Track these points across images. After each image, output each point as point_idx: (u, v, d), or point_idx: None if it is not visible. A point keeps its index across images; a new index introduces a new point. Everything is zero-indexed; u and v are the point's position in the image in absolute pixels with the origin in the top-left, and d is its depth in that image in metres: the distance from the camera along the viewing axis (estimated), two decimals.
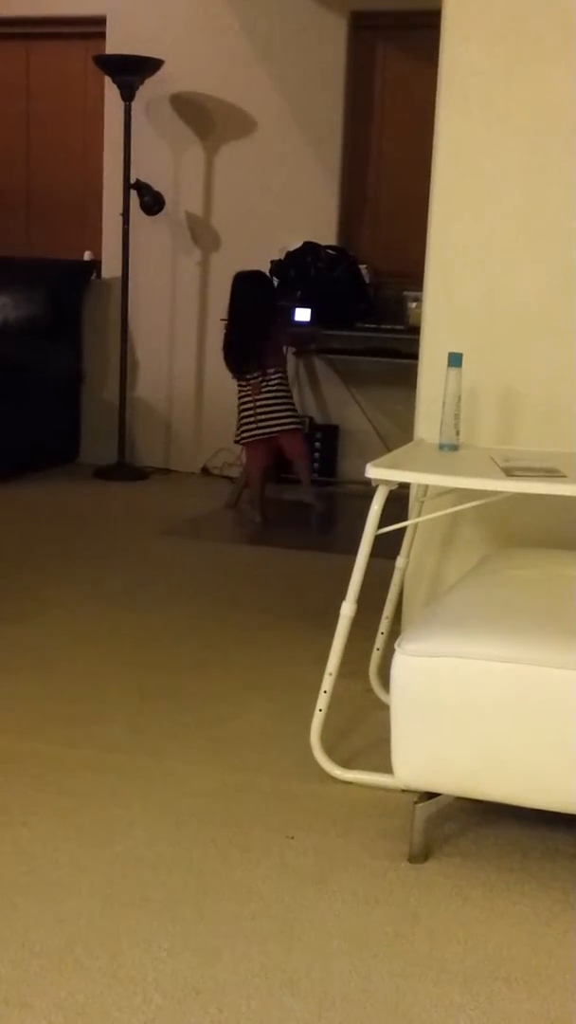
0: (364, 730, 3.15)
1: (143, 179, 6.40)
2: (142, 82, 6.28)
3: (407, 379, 6.35)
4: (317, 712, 2.88)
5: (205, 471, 6.67)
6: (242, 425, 5.60)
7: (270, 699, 3.37)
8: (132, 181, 6.37)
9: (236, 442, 5.77)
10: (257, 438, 5.56)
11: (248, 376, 5.53)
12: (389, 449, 6.40)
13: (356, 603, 2.85)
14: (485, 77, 3.22)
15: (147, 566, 4.76)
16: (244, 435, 5.61)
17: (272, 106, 6.39)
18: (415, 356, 6.04)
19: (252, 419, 5.54)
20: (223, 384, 6.44)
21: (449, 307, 3.35)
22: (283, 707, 3.30)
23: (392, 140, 6.40)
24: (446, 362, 3.12)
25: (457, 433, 3.06)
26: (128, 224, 6.41)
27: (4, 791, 2.73)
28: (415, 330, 5.97)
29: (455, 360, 3.05)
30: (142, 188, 6.38)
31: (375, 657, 3.35)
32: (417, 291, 6.11)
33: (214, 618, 4.10)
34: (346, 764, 2.89)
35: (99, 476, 6.48)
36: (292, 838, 2.56)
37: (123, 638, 3.84)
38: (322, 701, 2.87)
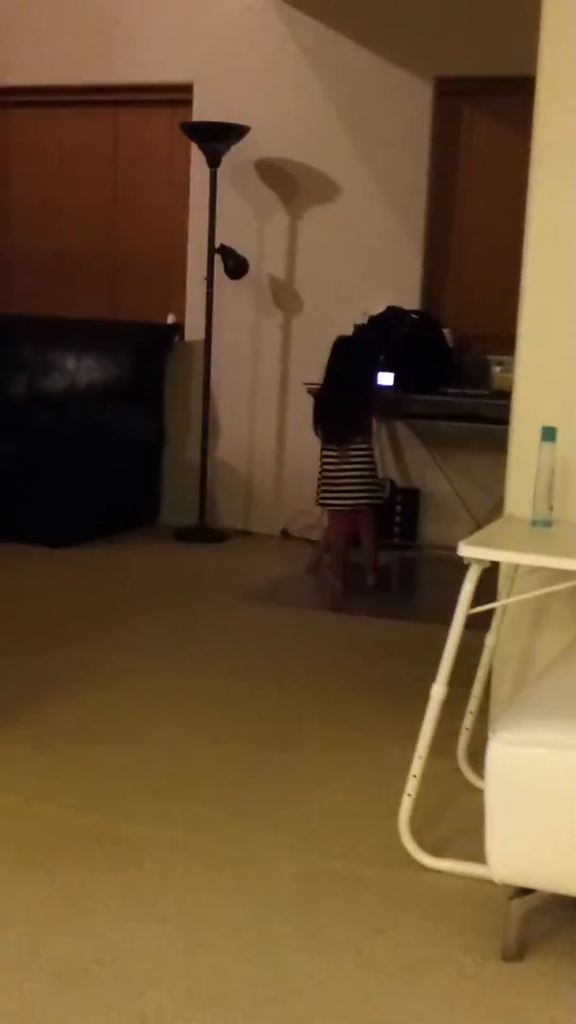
0: (453, 813, 3.05)
1: (227, 244, 6.41)
2: (228, 148, 6.32)
3: (490, 444, 6.32)
4: (406, 797, 2.79)
5: (285, 534, 6.63)
6: (326, 491, 5.52)
7: (355, 778, 3.29)
8: (216, 246, 6.39)
9: (319, 504, 5.69)
10: (340, 508, 5.51)
11: (342, 444, 5.47)
12: (472, 514, 6.37)
13: (447, 685, 2.77)
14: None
15: (227, 633, 4.71)
16: (328, 501, 5.54)
17: (356, 171, 6.38)
18: (499, 421, 6.02)
19: (336, 487, 5.47)
20: (304, 446, 6.41)
21: (542, 378, 3.28)
22: (368, 787, 3.22)
23: (476, 205, 6.36)
24: (538, 435, 3.05)
25: (550, 508, 2.99)
26: (212, 288, 6.43)
27: (84, 871, 2.67)
28: (499, 395, 5.94)
29: (549, 434, 2.98)
30: (226, 252, 6.39)
31: (464, 737, 3.27)
32: (501, 355, 6.08)
33: (296, 690, 4.03)
34: (435, 851, 2.80)
35: (179, 538, 6.45)
36: (381, 931, 2.47)
37: (204, 709, 3.78)
38: (411, 785, 2.79)
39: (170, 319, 6.84)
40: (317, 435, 5.56)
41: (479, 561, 2.67)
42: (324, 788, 3.20)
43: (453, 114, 6.35)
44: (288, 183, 6.54)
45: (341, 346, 5.60)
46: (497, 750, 2.34)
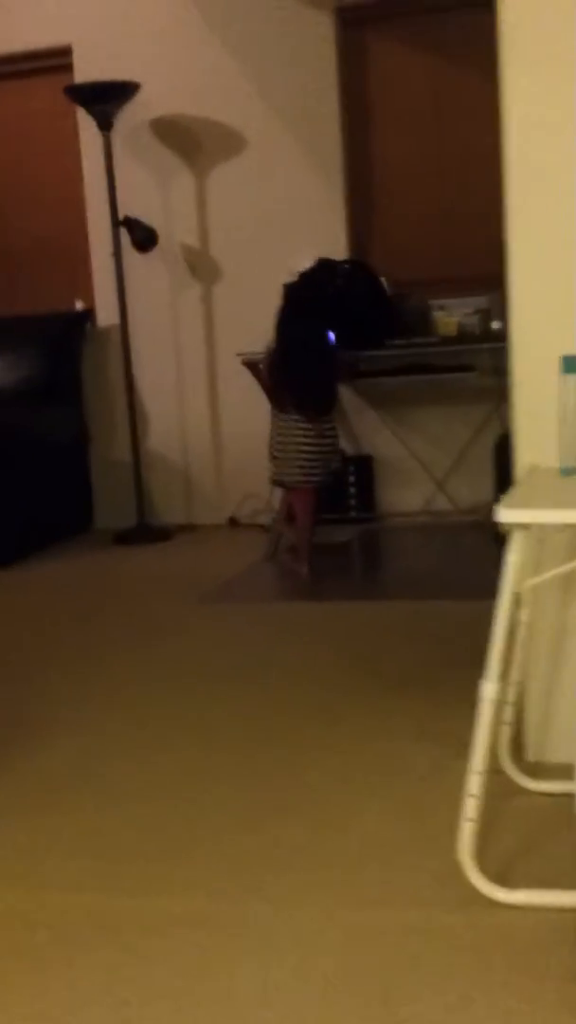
0: (507, 827, 2.55)
1: (131, 214, 5.85)
2: (118, 109, 5.75)
3: (441, 396, 5.85)
4: (465, 823, 2.28)
5: (233, 522, 6.09)
6: (294, 466, 4.96)
7: (376, 795, 2.78)
8: (120, 218, 5.83)
9: (275, 481, 5.13)
10: (302, 484, 4.98)
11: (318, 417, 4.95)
12: (431, 474, 5.88)
13: (499, 681, 2.26)
14: (552, 27, 2.65)
15: (192, 641, 4.16)
16: (288, 476, 4.99)
17: (262, 119, 5.85)
18: (452, 369, 5.60)
19: (309, 460, 4.93)
20: (241, 424, 5.90)
21: (543, 301, 2.77)
22: (400, 806, 2.71)
23: (395, 138, 5.85)
24: (550, 369, 2.56)
25: None
26: (121, 265, 5.86)
27: (92, 961, 2.14)
28: (448, 341, 5.46)
29: (571, 365, 2.48)
30: (132, 224, 5.83)
31: (504, 733, 2.77)
32: (442, 299, 5.59)
33: (282, 696, 3.50)
34: (501, 879, 2.30)
35: (119, 542, 5.90)
36: (470, 999, 1.97)
37: (186, 740, 3.24)
38: (471, 807, 2.27)
39: (78, 305, 6.27)
40: (278, 408, 5.01)
41: (524, 526, 2.17)
42: (349, 816, 2.69)
43: (358, 45, 5.83)
44: (189, 141, 5.98)
45: (293, 304, 5.04)
46: None
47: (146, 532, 5.97)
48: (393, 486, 5.87)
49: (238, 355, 5.59)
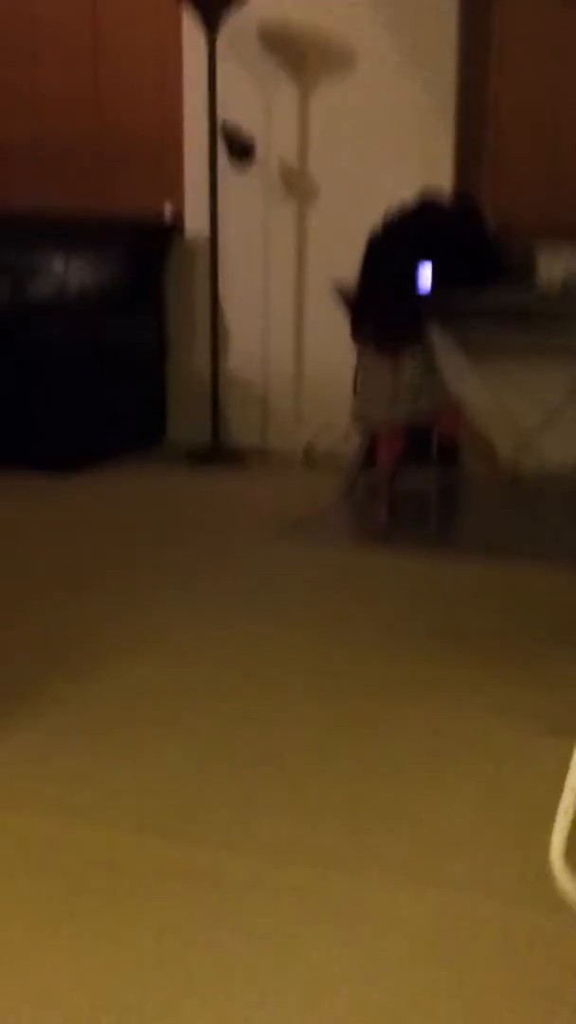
0: None
1: (227, 121, 5.63)
2: (226, 10, 5.50)
3: (535, 349, 5.62)
4: (560, 815, 2.16)
5: (309, 453, 5.90)
6: (376, 404, 4.78)
7: (462, 772, 2.68)
8: (221, 123, 5.61)
9: (361, 423, 4.94)
10: (396, 421, 4.79)
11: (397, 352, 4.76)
12: (522, 429, 5.66)
13: None
14: None
15: (265, 584, 4.06)
16: (379, 417, 4.81)
17: (374, 34, 5.58)
18: (551, 328, 5.35)
19: (392, 398, 4.75)
20: (327, 352, 5.70)
21: None
22: (481, 785, 2.61)
23: (515, 70, 5.57)
24: None
25: None
26: (215, 174, 5.66)
27: (153, 924, 2.04)
28: (551, 294, 5.22)
29: None
30: (230, 131, 5.62)
31: None
32: (549, 244, 5.35)
33: (360, 654, 3.39)
34: None
35: (192, 460, 5.75)
36: (554, 1013, 1.86)
37: (251, 687, 3.13)
38: (569, 799, 2.15)
39: (167, 210, 6.05)
40: (358, 341, 4.83)
41: None
42: (434, 791, 2.59)
43: None
44: (296, 51, 5.73)
45: (382, 236, 4.85)
46: None
47: (220, 454, 5.83)
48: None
49: (333, 282, 5.38)
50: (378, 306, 4.78)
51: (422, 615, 3.74)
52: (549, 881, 2.18)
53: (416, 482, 5.03)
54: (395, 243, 4.86)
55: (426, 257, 5.05)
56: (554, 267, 5.23)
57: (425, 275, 5.04)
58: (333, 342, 5.48)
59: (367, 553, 4.43)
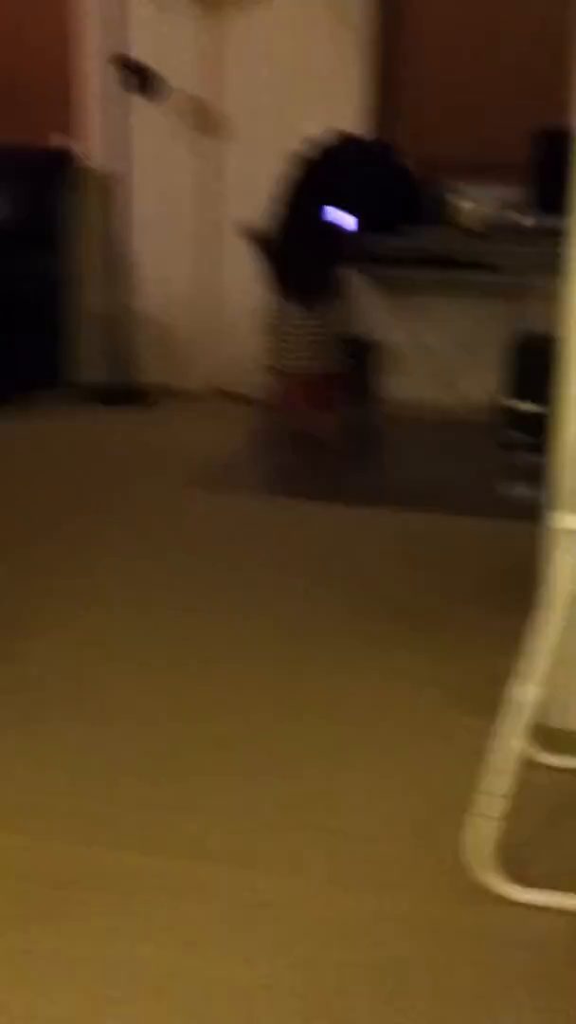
0: (524, 809, 2.36)
1: (138, 56, 5.44)
2: None
3: (456, 288, 5.56)
4: (481, 818, 2.13)
5: (220, 391, 5.80)
6: (298, 354, 4.70)
7: (374, 747, 2.62)
8: (120, 57, 5.41)
9: (274, 370, 4.86)
10: (296, 371, 4.72)
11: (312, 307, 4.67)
12: (443, 367, 5.62)
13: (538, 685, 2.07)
14: None
15: (185, 535, 3.97)
16: (302, 365, 4.72)
17: None
18: (476, 266, 5.28)
19: (307, 348, 4.67)
20: (238, 292, 5.57)
21: None
22: (394, 763, 2.56)
23: (429, 11, 5.44)
24: None
25: None
26: (115, 109, 5.47)
27: (64, 937, 1.97)
28: (472, 233, 5.15)
29: None
30: (131, 65, 5.42)
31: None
32: (468, 185, 5.25)
33: (283, 621, 3.32)
34: (520, 872, 2.14)
35: (99, 400, 5.62)
36: None
37: (167, 674, 3.04)
38: (491, 805, 2.11)
39: (59, 141, 5.80)
40: (274, 291, 4.74)
41: None
42: (345, 773, 2.54)
43: None
44: None
45: (296, 182, 4.73)
46: None
47: (127, 392, 5.70)
48: (395, 374, 5.61)
49: (241, 225, 5.24)
50: (294, 258, 4.68)
51: (336, 569, 3.70)
52: (466, 874, 2.15)
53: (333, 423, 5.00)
54: (309, 189, 4.76)
55: (342, 201, 4.95)
56: (475, 209, 5.15)
57: (341, 219, 4.95)
58: (244, 279, 5.37)
59: (279, 503, 4.37)
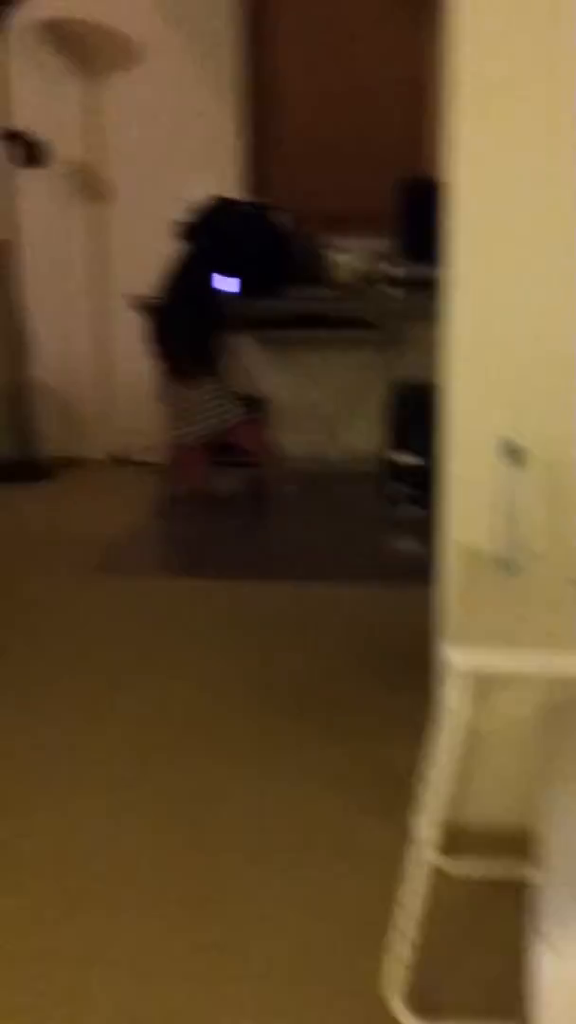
0: (435, 927, 2.35)
1: (17, 125, 5.46)
2: (8, 8, 5.31)
3: (333, 342, 5.67)
4: (394, 963, 2.18)
5: (118, 460, 5.85)
6: (188, 426, 4.76)
7: (275, 860, 2.64)
8: (7, 128, 5.43)
9: (175, 441, 4.91)
10: (193, 441, 4.78)
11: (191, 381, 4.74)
12: (327, 420, 5.72)
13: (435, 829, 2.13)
14: None
15: (84, 627, 3.98)
16: (192, 436, 4.78)
17: (158, 30, 5.46)
18: (349, 323, 5.40)
19: (195, 420, 4.74)
20: (131, 356, 5.62)
21: (480, 380, 2.55)
22: (298, 882, 2.57)
23: (298, 60, 5.51)
24: (486, 447, 2.43)
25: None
26: (6, 180, 5.50)
27: None
28: (344, 288, 5.25)
29: (516, 455, 2.34)
30: (18, 137, 5.44)
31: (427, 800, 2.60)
32: (340, 238, 5.35)
33: (174, 706, 3.35)
34: (423, 1001, 2.18)
35: None
36: None
37: (75, 780, 3.06)
38: (402, 949, 2.17)
39: None
40: (159, 366, 4.82)
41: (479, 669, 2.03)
42: (243, 891, 2.55)
43: None
44: (83, 48, 5.58)
45: (177, 262, 4.80)
46: (549, 963, 1.78)
47: (25, 466, 5.72)
48: (283, 431, 5.71)
49: (131, 297, 5.29)
50: (174, 337, 4.76)
51: (233, 651, 3.73)
52: (375, 1005, 2.19)
53: (223, 487, 5.07)
54: (190, 258, 4.83)
55: (222, 267, 5.04)
56: (346, 261, 5.27)
57: (223, 285, 5.03)
58: (136, 345, 5.43)
59: (176, 583, 4.39)
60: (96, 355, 5.85)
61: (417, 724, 3.03)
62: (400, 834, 2.62)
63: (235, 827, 2.81)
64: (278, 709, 3.38)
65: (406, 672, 3.56)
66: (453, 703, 1.99)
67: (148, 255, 5.28)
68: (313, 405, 5.64)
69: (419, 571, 4.23)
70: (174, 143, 5.54)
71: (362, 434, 5.58)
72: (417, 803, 2.28)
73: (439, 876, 2.55)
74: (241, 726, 3.29)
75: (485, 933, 2.39)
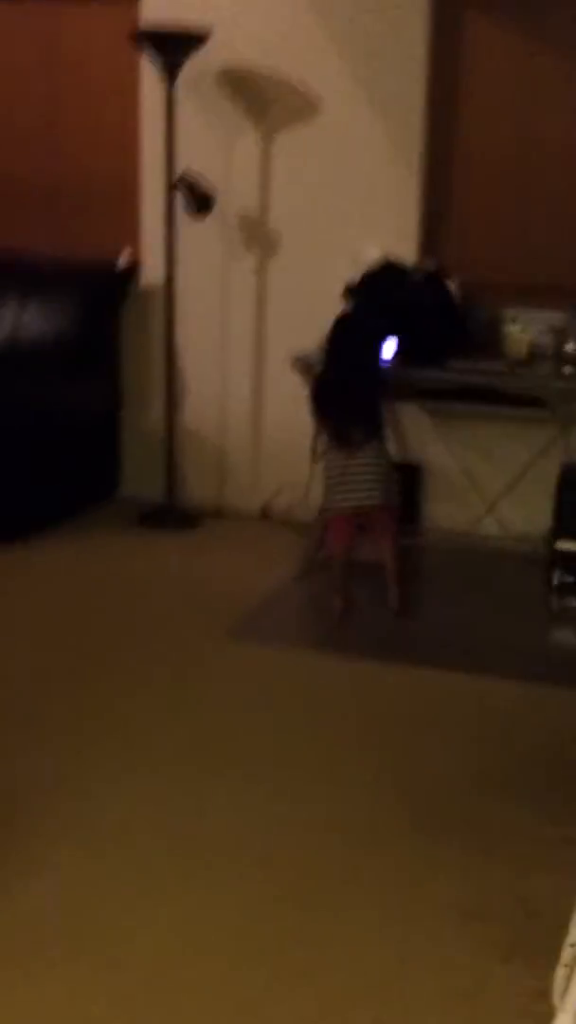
0: None
1: (189, 173, 5.39)
2: (186, 58, 5.25)
3: (506, 421, 5.46)
4: None
5: (265, 514, 5.74)
6: (342, 492, 4.62)
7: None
8: (177, 175, 5.37)
9: (328, 511, 4.76)
10: (344, 510, 4.61)
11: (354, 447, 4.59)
12: (481, 492, 5.53)
13: None
14: None
15: (211, 700, 3.87)
16: (336, 503, 4.63)
17: (340, 84, 5.34)
18: (520, 402, 5.18)
19: (343, 487, 4.59)
20: (286, 409, 5.52)
21: None
22: None
23: (483, 127, 5.35)
24: None
25: None
26: (172, 225, 5.44)
27: None
28: (517, 363, 5.03)
29: None
30: (188, 184, 5.36)
31: (566, 956, 2.40)
32: (516, 309, 5.14)
33: (293, 820, 3.17)
34: None
35: (145, 522, 5.58)
36: None
37: (184, 870, 2.95)
38: None
39: (124, 258, 5.79)
40: (321, 431, 4.68)
41: None
42: None
43: (453, 20, 5.29)
44: (258, 98, 5.49)
45: (343, 324, 4.66)
46: None
47: (173, 515, 5.65)
48: (441, 500, 5.51)
49: (293, 357, 5.16)
50: (340, 400, 4.61)
51: (369, 757, 3.52)
52: None
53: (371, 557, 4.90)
54: (357, 325, 4.68)
55: (390, 334, 4.88)
56: (520, 335, 5.06)
57: (389, 352, 4.88)
58: (292, 398, 5.31)
59: (314, 659, 4.23)
60: (251, 407, 5.75)
61: (570, 859, 2.82)
62: (530, 983, 2.43)
63: (350, 953, 2.63)
64: (411, 821, 3.19)
65: (563, 792, 3.33)
66: None
67: (309, 312, 5.19)
68: (474, 478, 5.42)
69: None
70: (348, 201, 5.42)
71: (526, 515, 5.33)
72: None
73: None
74: (368, 839, 3.11)
75: None
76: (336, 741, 3.63)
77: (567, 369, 4.90)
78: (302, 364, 5.05)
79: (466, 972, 2.58)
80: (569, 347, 4.95)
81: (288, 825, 3.14)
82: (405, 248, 5.28)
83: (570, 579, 4.78)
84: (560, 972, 2.26)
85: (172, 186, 5.39)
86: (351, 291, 4.85)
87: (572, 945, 2.17)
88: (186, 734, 3.63)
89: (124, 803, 3.22)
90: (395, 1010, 2.47)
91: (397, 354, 4.91)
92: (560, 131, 5.25)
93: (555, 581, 4.82)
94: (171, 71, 5.27)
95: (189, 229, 5.53)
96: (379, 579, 4.63)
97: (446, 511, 5.51)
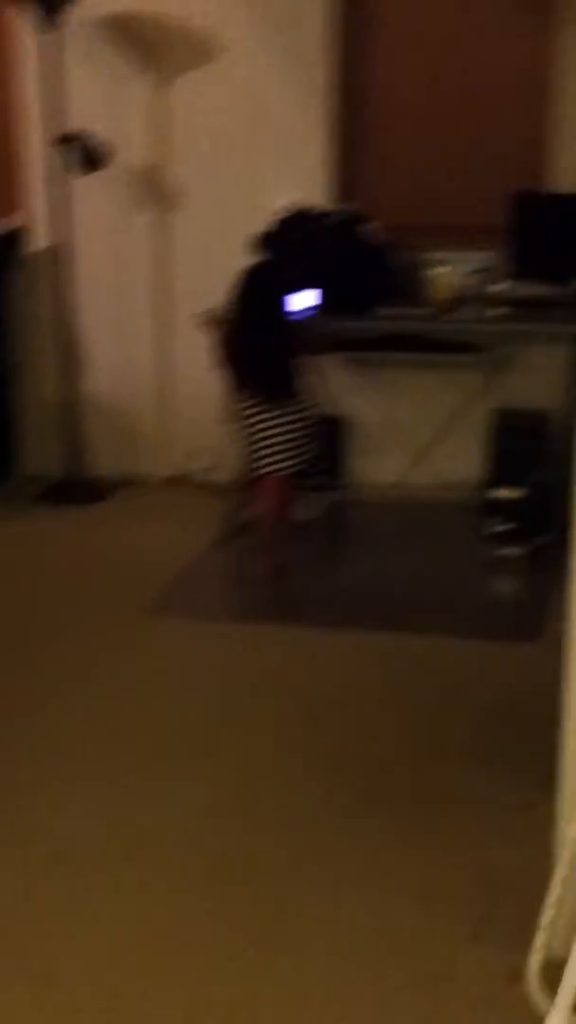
0: None
1: (77, 125, 5.05)
2: (63, 4, 4.92)
3: (427, 364, 5.23)
4: None
5: (175, 480, 5.43)
6: (267, 454, 4.34)
7: (387, 1005, 2.23)
8: (64, 131, 5.03)
9: (256, 475, 4.47)
10: (281, 472, 4.34)
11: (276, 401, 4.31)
12: (415, 445, 5.27)
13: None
14: None
15: (129, 680, 3.57)
16: (272, 467, 4.35)
17: (239, 27, 5.04)
18: (448, 347, 4.95)
19: (275, 448, 4.30)
20: (196, 370, 5.17)
21: None
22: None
23: (398, 60, 5.07)
24: None
25: None
26: (61, 184, 5.10)
27: None
28: (444, 305, 4.76)
29: None
30: (76, 140, 5.04)
31: (543, 935, 2.15)
32: (439, 252, 4.88)
33: (239, 792, 2.94)
34: None
35: (46, 498, 5.24)
36: None
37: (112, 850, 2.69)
38: None
39: (9, 222, 5.44)
40: (235, 388, 4.38)
41: None
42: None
43: None
44: (149, 45, 5.17)
45: (253, 275, 4.36)
46: None
47: (78, 488, 5.31)
48: (367, 453, 5.25)
49: (198, 315, 4.86)
50: (255, 355, 4.31)
51: (309, 723, 3.28)
52: None
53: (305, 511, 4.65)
54: (268, 275, 4.38)
55: (305, 284, 4.60)
56: (446, 278, 4.78)
57: (307, 302, 4.61)
58: (201, 360, 5.01)
59: (240, 630, 3.96)
60: (157, 370, 5.44)
61: (531, 826, 2.59)
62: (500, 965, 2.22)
63: (308, 947, 2.39)
64: (358, 797, 2.94)
65: (517, 754, 3.09)
66: None
67: (217, 267, 4.85)
68: (403, 429, 5.17)
69: (529, 623, 3.79)
70: (253, 148, 5.12)
71: (456, 464, 5.09)
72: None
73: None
74: (314, 821, 2.85)
75: None
76: (270, 718, 3.36)
77: (493, 311, 4.65)
78: (208, 318, 4.75)
79: (431, 957, 2.35)
80: (493, 288, 4.71)
81: (223, 816, 2.87)
82: (320, 196, 5.01)
83: (505, 527, 4.55)
84: (534, 958, 2.04)
85: (60, 142, 5.06)
86: (261, 240, 4.55)
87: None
88: (108, 722, 3.33)
89: (47, 806, 2.92)
90: (360, 1004, 2.23)
91: (319, 305, 4.64)
92: (476, 67, 5.00)
93: (489, 530, 4.59)
94: (50, 20, 4.94)
95: (81, 188, 5.20)
96: (303, 543, 4.38)
97: (374, 464, 5.25)
